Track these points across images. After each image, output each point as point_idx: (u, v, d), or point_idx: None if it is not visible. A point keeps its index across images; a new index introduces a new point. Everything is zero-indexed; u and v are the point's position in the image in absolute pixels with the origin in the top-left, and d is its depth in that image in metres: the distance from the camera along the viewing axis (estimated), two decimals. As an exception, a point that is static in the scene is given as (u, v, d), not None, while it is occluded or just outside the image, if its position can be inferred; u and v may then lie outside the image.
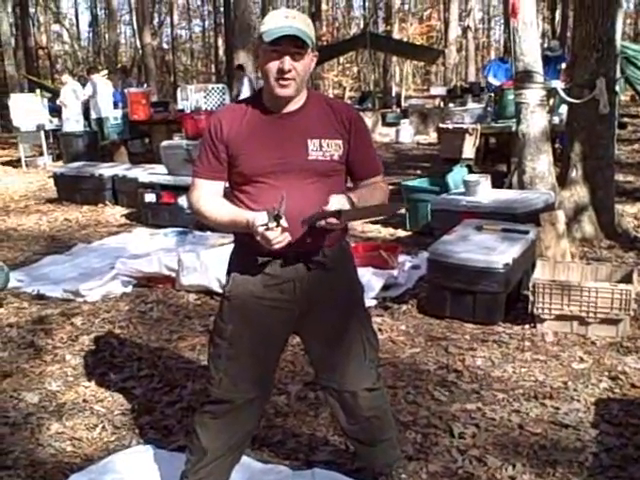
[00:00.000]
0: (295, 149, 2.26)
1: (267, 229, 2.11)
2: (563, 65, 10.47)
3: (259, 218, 2.14)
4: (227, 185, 2.41)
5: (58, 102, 13.11)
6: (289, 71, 2.18)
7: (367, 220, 7.37)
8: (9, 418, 3.41)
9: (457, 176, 6.78)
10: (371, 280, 4.82)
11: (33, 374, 3.90)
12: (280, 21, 2.17)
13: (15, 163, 13.28)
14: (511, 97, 7.60)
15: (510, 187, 6.71)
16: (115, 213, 8.44)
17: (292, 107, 2.29)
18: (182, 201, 7.02)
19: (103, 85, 13.25)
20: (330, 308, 2.45)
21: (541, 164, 6.18)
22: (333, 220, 2.14)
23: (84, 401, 3.59)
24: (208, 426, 2.51)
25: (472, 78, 23.84)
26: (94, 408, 3.50)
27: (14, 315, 4.81)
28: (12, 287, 5.19)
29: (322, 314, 2.45)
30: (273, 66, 2.19)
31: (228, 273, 2.45)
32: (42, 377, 3.87)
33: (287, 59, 2.18)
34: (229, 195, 2.40)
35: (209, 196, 2.36)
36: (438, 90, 19.35)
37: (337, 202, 2.17)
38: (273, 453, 3.06)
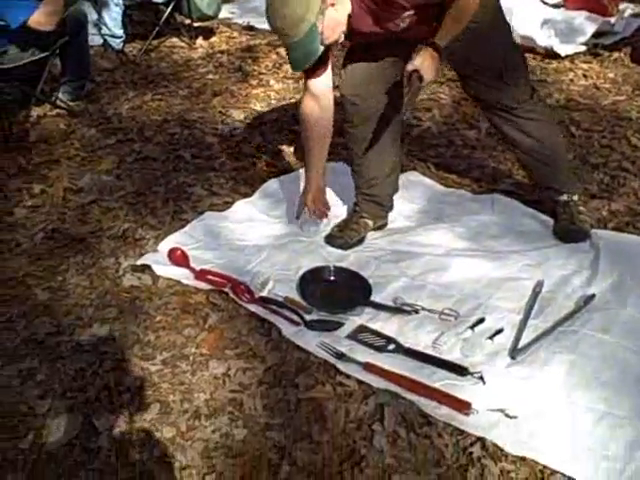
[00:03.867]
0: None
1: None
2: None
3: None
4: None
5: None
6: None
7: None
8: (217, 130, 3.73)
9: None
10: (583, 24, 4.49)
11: (240, 95, 4.17)
12: None
13: None
14: None
15: None
16: None
17: None
18: None
19: None
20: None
21: None
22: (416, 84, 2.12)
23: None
24: (352, 135, 2.62)
25: None
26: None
27: (225, 43, 5.07)
28: (224, 17, 5.38)
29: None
30: None
31: None
32: (247, 98, 4.12)
33: None
34: None
35: None
36: None
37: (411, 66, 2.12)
38: (457, 180, 3.15)
